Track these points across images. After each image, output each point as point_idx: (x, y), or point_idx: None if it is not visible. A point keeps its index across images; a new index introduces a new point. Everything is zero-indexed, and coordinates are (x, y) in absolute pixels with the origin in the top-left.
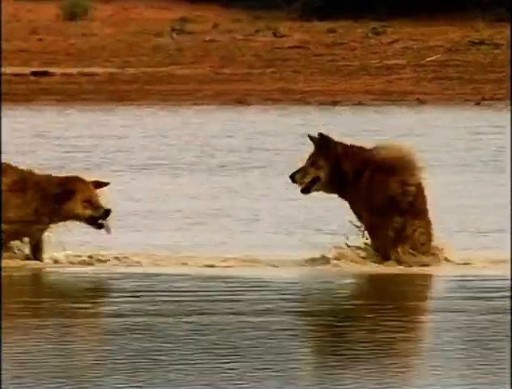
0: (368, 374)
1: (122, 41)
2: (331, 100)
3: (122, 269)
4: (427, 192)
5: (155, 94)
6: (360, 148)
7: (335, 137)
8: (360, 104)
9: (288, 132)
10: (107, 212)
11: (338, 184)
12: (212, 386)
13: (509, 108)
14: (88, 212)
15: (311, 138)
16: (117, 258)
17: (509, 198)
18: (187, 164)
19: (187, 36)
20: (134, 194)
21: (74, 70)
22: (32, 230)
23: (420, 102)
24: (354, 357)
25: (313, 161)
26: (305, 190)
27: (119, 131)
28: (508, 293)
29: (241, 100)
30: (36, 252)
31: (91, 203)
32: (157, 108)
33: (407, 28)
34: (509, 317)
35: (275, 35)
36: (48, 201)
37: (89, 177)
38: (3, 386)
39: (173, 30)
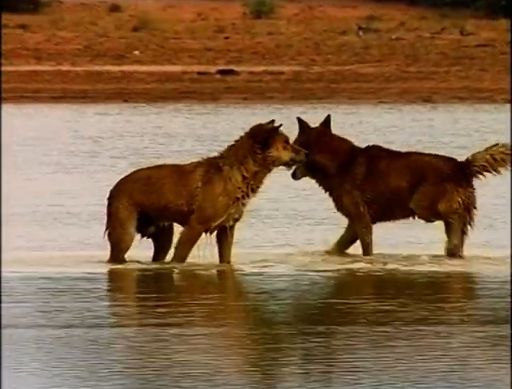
0: None
1: (308, 40)
2: None
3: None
4: None
5: (341, 92)
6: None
7: None
8: None
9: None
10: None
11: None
12: None
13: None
14: (290, 155)
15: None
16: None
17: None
18: None
19: (373, 34)
20: None
21: (260, 69)
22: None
23: None
24: None
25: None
26: (293, 176)
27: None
28: None
29: (427, 99)
30: (228, 249)
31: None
32: (342, 106)
33: None
34: None
35: (461, 33)
36: (249, 165)
37: None
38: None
39: (360, 28)
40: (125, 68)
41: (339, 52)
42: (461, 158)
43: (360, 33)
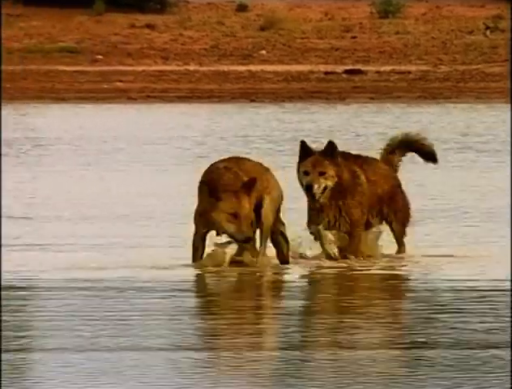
0: None
1: (435, 39)
2: None
3: None
4: None
5: (468, 92)
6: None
7: None
8: None
9: None
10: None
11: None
12: None
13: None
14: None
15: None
16: None
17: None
18: None
19: (501, 33)
20: None
21: (387, 68)
22: None
23: None
24: None
25: (320, 171)
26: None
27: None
28: None
29: None
30: (281, 250)
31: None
32: (469, 105)
33: None
34: None
35: None
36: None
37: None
38: None
39: (487, 27)
40: (252, 68)
41: (466, 51)
42: None
43: (488, 33)
